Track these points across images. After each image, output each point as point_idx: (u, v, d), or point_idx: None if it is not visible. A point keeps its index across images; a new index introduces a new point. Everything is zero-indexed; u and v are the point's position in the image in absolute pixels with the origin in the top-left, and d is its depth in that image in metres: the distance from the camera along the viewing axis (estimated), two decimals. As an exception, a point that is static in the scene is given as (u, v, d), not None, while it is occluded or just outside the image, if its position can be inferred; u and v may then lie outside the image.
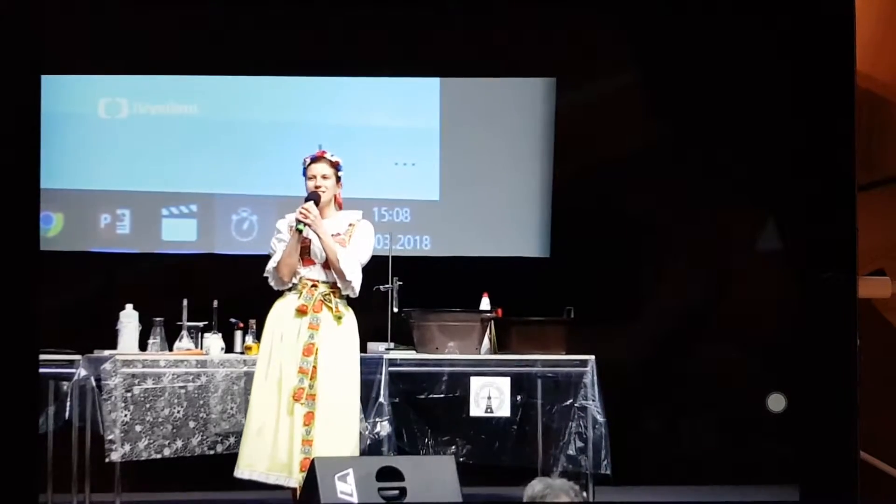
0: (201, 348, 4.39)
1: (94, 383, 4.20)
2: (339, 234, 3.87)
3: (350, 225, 3.91)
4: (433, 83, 5.58)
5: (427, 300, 4.64)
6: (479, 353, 4.55)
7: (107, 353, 4.27)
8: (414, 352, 4.52)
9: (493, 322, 4.62)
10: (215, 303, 4.45)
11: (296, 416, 3.71)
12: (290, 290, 3.89)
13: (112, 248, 5.27)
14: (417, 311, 4.56)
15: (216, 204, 5.38)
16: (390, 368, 4.34)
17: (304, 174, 3.97)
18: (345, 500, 3.34)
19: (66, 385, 4.23)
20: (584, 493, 4.30)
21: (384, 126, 5.50)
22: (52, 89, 4.77)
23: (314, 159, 3.93)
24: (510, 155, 5.59)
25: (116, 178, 5.27)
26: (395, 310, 4.59)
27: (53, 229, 5.20)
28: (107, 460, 4.14)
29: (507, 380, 4.46)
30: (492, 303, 4.71)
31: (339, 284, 3.84)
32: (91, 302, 4.87)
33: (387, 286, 4.58)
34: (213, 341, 4.38)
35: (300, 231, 3.80)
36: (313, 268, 3.84)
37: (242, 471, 3.80)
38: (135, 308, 4.39)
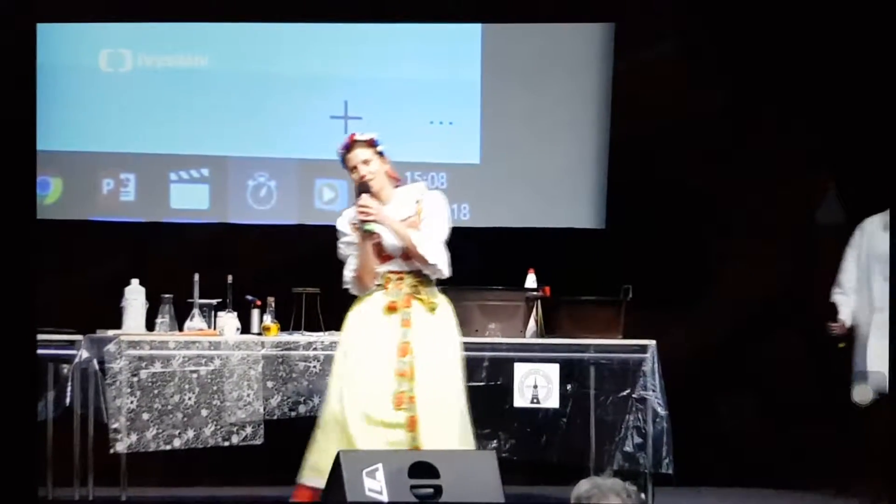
0: (214, 328, 4.48)
1: (97, 366, 4.32)
2: (408, 217, 3.86)
3: (417, 202, 3.89)
4: (474, 30, 5.58)
5: (466, 277, 4.67)
6: (525, 337, 4.60)
7: (111, 332, 4.38)
8: (451, 334, 4.56)
9: (539, 302, 4.65)
10: (230, 278, 4.54)
11: (398, 423, 3.73)
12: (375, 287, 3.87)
13: (115, 217, 5.37)
14: (455, 289, 4.58)
15: (230, 167, 5.46)
16: (424, 353, 4.38)
17: (343, 165, 3.91)
18: (373, 499, 3.40)
19: (66, 368, 4.35)
20: (643, 495, 4.33)
21: (417, 79, 5.53)
22: (49, 39, 4.86)
23: (347, 147, 3.88)
24: (561, 113, 5.60)
25: (120, 139, 5.36)
26: (430, 287, 4.62)
27: (51, 196, 5.32)
28: (111, 451, 4.27)
29: (556, 367, 4.50)
30: (539, 280, 4.75)
31: (425, 271, 3.86)
32: (93, 276, 4.97)
33: (421, 261, 4.61)
34: (228, 321, 4.46)
35: (369, 231, 3.79)
36: (393, 262, 3.85)
37: None
38: (141, 283, 4.49)
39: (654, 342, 4.55)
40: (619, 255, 5.28)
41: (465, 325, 4.55)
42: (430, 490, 3.44)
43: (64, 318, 4.42)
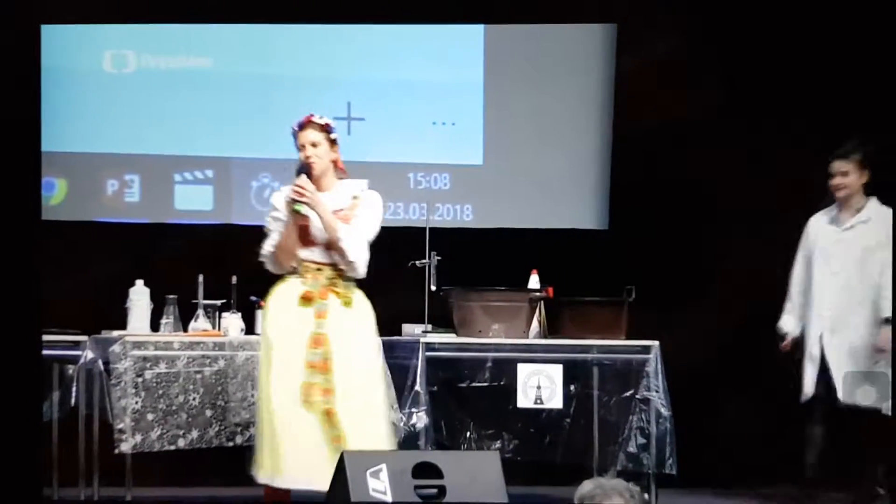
0: (219, 329, 4.50)
1: (101, 367, 4.34)
2: (341, 210, 3.89)
3: (354, 198, 3.92)
4: (476, 31, 5.59)
5: (469, 277, 4.69)
6: (528, 337, 4.61)
7: (115, 333, 4.40)
8: (454, 335, 4.59)
9: (543, 302, 4.66)
10: (234, 279, 4.55)
11: (315, 414, 3.76)
12: (291, 273, 3.92)
13: (120, 218, 5.39)
14: (458, 290, 4.61)
15: (234, 169, 5.47)
16: (427, 353, 4.41)
17: (294, 143, 3.95)
18: (377, 499, 3.40)
19: (71, 369, 4.37)
20: (646, 496, 4.35)
21: (420, 80, 5.54)
22: (52, 40, 4.84)
23: (301, 126, 3.93)
24: (563, 113, 5.61)
25: (124, 140, 5.37)
26: (433, 288, 4.65)
27: (56, 197, 5.33)
28: (116, 451, 4.28)
29: (560, 367, 4.52)
30: (542, 281, 4.76)
31: (341, 266, 3.87)
32: (98, 277, 4.98)
33: (423, 262, 4.63)
34: (232, 321, 4.48)
35: (298, 211, 3.82)
36: (315, 249, 3.88)
37: (297, 479, 3.76)
38: (146, 284, 4.51)
39: (657, 343, 4.57)
40: (622, 256, 5.29)
41: (469, 325, 4.57)
42: (434, 490, 3.46)
43: (69, 319, 4.43)
